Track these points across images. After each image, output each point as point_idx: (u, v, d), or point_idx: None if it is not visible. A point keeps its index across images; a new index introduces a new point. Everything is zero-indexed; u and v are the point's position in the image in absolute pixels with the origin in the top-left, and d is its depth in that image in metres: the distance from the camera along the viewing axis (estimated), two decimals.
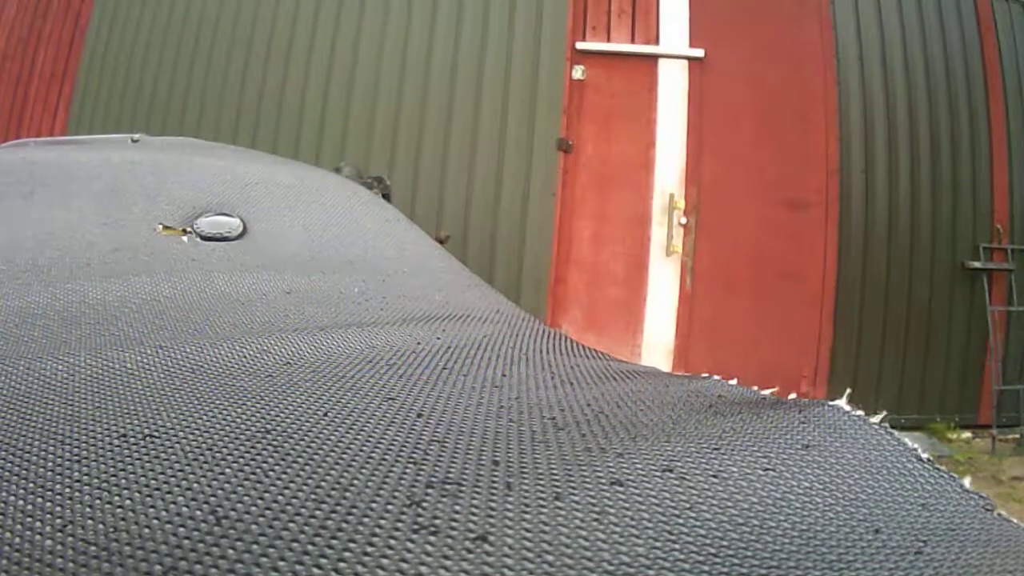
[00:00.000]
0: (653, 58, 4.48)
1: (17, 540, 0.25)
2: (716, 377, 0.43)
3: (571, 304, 4.56)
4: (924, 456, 0.31)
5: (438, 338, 0.56)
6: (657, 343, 4.50)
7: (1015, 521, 0.28)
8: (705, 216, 4.47)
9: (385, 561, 0.23)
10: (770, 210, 4.43)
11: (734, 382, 0.42)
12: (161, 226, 0.86)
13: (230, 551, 0.24)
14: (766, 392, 0.40)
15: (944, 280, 4.41)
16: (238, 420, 0.36)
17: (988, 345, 4.28)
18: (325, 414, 0.37)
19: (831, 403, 0.35)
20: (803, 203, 4.42)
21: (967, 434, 4.28)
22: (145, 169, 1.02)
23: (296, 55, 4.75)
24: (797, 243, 4.44)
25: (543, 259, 4.50)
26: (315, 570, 0.23)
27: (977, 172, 4.39)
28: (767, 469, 0.29)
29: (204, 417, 0.36)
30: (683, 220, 4.47)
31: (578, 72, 4.53)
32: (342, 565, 0.23)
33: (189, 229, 0.86)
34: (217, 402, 0.39)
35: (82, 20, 5.03)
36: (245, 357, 0.48)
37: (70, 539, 0.25)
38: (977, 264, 4.32)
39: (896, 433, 0.33)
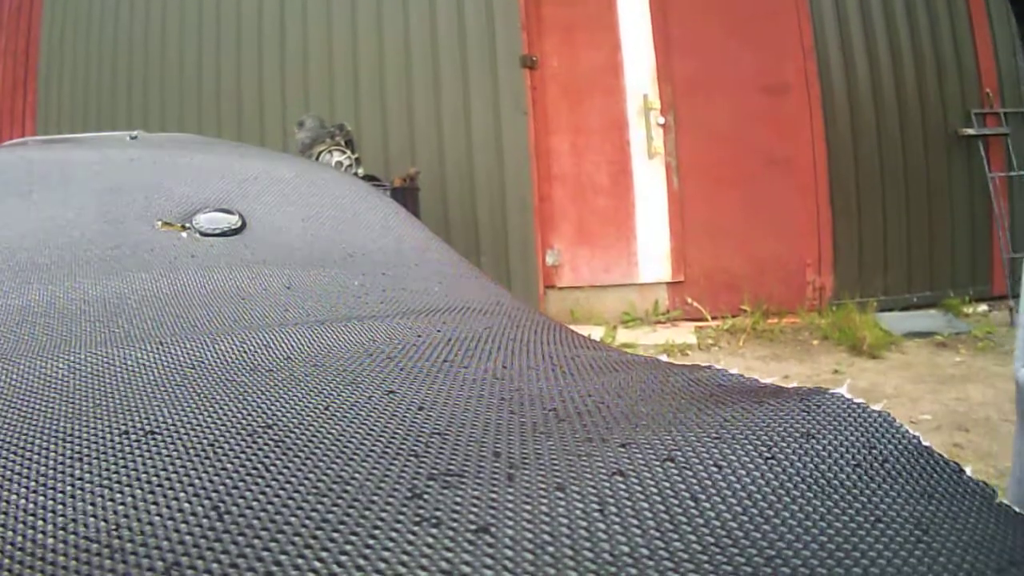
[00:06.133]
0: None
1: (19, 539, 0.25)
2: (717, 366, 0.43)
3: (559, 221, 4.44)
4: (926, 444, 0.31)
5: (438, 330, 0.56)
6: (652, 249, 4.37)
7: (1017, 510, 0.28)
8: (683, 113, 4.33)
9: (387, 554, 0.23)
10: (749, 98, 4.25)
11: (735, 371, 0.42)
12: (160, 222, 0.86)
13: (232, 546, 0.24)
14: (767, 381, 0.40)
15: (939, 151, 4.22)
16: (239, 415, 0.36)
17: (992, 213, 4.11)
18: (326, 408, 0.37)
19: (833, 391, 0.35)
20: (782, 87, 4.22)
21: (983, 307, 4.10)
22: (144, 166, 1.02)
23: (246, 22, 4.65)
24: (781, 128, 4.24)
25: (524, 179, 4.37)
26: (317, 563, 0.23)
27: (958, 36, 4.19)
28: (768, 458, 0.29)
29: (205, 413, 0.36)
30: (661, 120, 4.33)
31: None
32: (343, 559, 0.23)
33: (188, 225, 0.86)
34: (218, 398, 0.39)
35: (34, 29, 4.99)
36: (245, 352, 0.48)
37: (72, 537, 0.25)
38: (971, 131, 4.14)
39: (898, 421, 0.33)
